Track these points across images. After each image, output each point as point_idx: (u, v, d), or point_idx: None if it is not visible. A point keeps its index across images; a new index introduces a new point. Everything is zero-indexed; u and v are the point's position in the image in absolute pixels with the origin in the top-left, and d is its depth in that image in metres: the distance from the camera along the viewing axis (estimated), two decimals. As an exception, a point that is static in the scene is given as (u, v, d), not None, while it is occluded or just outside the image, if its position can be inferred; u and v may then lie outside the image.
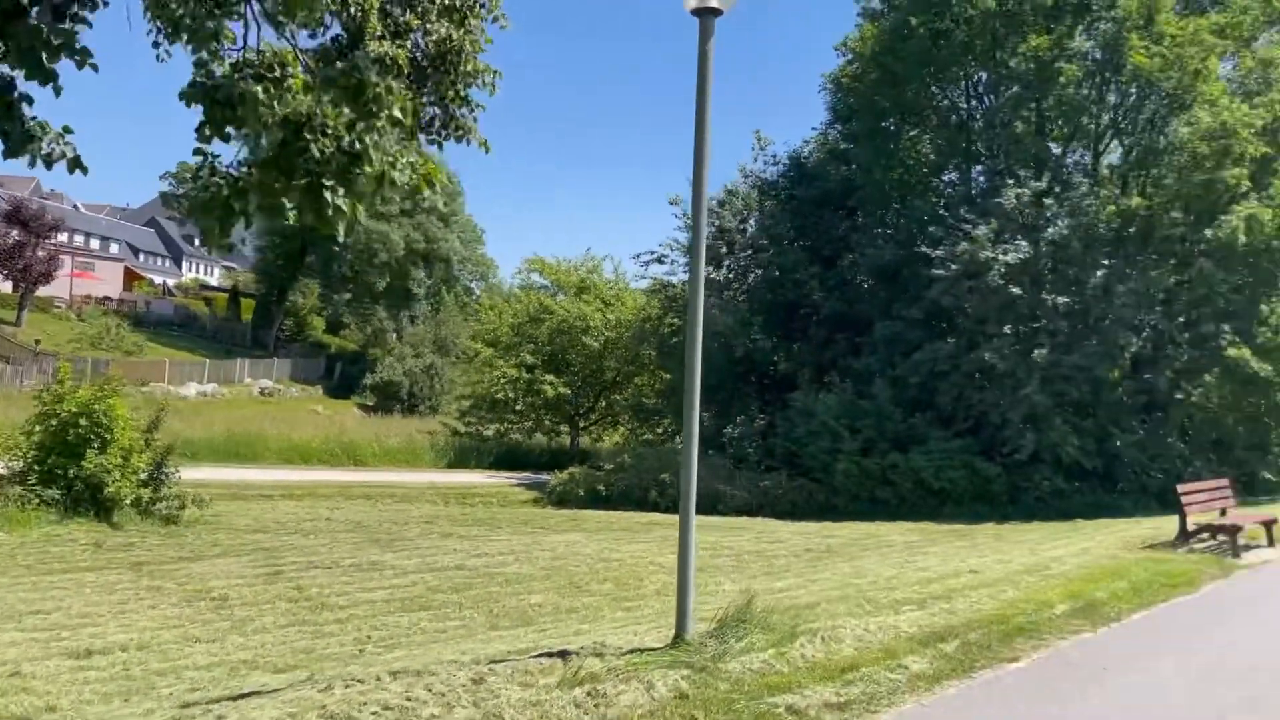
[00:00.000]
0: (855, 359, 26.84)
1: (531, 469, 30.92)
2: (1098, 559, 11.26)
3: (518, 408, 33.67)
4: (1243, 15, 24.71)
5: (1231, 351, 22.03)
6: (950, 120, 28.65)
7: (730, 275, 31.22)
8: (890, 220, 28.73)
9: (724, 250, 30.71)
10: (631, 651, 6.10)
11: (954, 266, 23.61)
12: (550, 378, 33.05)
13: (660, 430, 31.63)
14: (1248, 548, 12.30)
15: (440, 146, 6.93)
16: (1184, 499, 11.92)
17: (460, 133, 6.70)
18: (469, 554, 14.09)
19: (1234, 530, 11.52)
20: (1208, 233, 22.69)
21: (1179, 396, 23.07)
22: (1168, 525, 13.00)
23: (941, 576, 10.48)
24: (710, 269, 31.45)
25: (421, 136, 6.65)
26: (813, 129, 36.14)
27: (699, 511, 22.37)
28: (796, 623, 6.79)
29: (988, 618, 7.57)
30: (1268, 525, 12.64)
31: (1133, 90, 24.92)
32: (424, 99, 6.51)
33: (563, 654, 6.07)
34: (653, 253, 31.60)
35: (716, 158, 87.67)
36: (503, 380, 33.09)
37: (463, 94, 6.56)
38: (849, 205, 29.53)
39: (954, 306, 24.31)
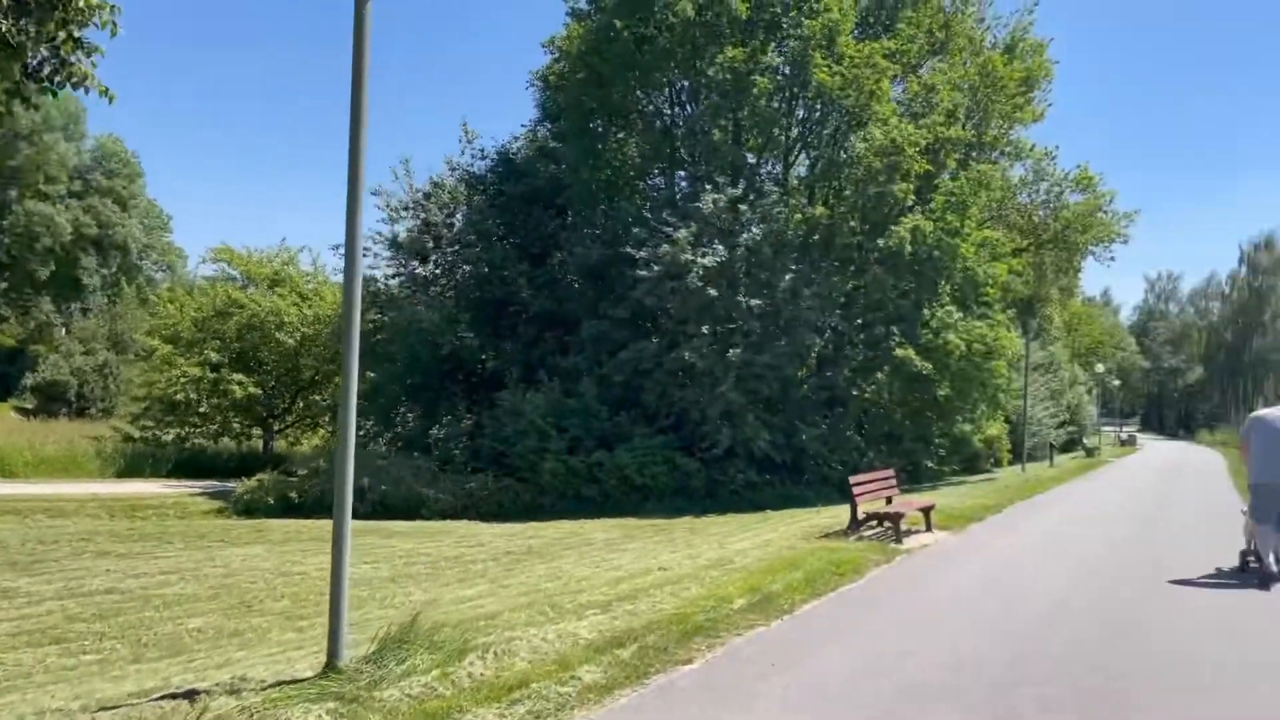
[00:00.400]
0: (563, 357, 26.84)
1: (218, 476, 28.44)
2: (779, 550, 11.69)
3: (201, 410, 30.85)
4: (910, 43, 27.14)
5: (899, 351, 24.07)
6: (655, 125, 29.35)
7: (437, 271, 30.32)
8: (598, 220, 28.99)
9: (430, 245, 29.76)
10: (277, 684, 5.40)
11: (657, 268, 24.13)
12: (239, 377, 30.57)
13: (363, 432, 30.16)
14: (909, 533, 13.27)
15: (54, 94, 6.00)
16: (855, 489, 12.69)
17: (75, 79, 5.73)
18: (125, 574, 12.50)
19: (897, 518, 12.39)
20: (880, 242, 24.66)
21: (855, 393, 24.90)
22: (844, 514, 13.76)
23: (632, 575, 10.43)
24: (416, 264, 30.42)
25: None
26: (522, 126, 35.97)
27: (400, 517, 21.32)
28: (470, 637, 6.35)
29: (668, 617, 7.48)
30: (926, 511, 13.71)
31: (818, 106, 26.64)
32: (28, 38, 5.48)
33: (190, 694, 5.25)
34: (354, 245, 29.90)
35: (428, 148, 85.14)
36: (183, 380, 30.19)
37: (75, 35, 5.59)
38: (558, 203, 29.51)
39: (657, 307, 24.87)
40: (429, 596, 10.87)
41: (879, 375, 24.55)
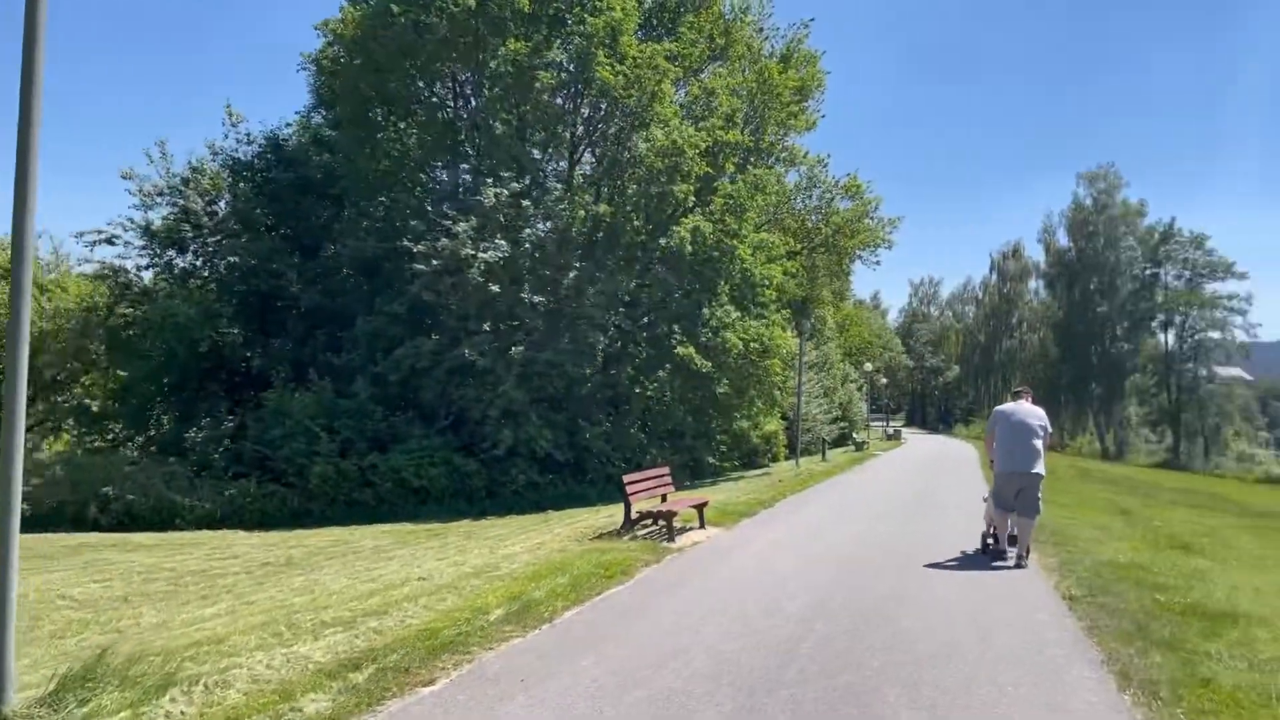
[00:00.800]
0: (336, 355, 25.56)
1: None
2: (550, 553, 11.36)
3: (-88, 414, 27.32)
4: (692, 47, 27.57)
5: (680, 350, 24.39)
6: (438, 116, 28.45)
7: (197, 262, 28.17)
8: (376, 212, 27.82)
9: (189, 234, 27.60)
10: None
11: (436, 262, 23.36)
12: (-37, 377, 27.29)
13: (111, 436, 27.60)
14: (683, 530, 13.28)
15: None
16: (629, 488, 12.55)
17: None
18: None
19: (670, 516, 12.34)
20: (662, 241, 24.90)
21: (638, 390, 25.05)
22: (622, 513, 13.60)
23: (390, 586, 9.81)
24: (173, 254, 28.17)
25: None
26: (296, 112, 34.12)
27: (150, 528, 19.42)
28: (178, 669, 5.62)
29: (416, 633, 6.97)
30: (699, 508, 13.77)
31: (602, 104, 26.62)
32: None
33: None
34: (101, 232, 27.11)
35: (191, 132, 79.86)
36: (-107, 381, 26.62)
37: None
38: (333, 194, 28.11)
39: (437, 303, 24.08)
40: (160, 618, 9.85)
41: (661, 373, 24.82)
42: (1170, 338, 71.24)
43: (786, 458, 36.94)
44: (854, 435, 51.18)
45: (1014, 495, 10.70)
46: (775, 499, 18.21)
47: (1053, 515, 16.32)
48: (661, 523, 12.69)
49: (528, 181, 25.89)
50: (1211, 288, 68.30)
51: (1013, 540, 10.90)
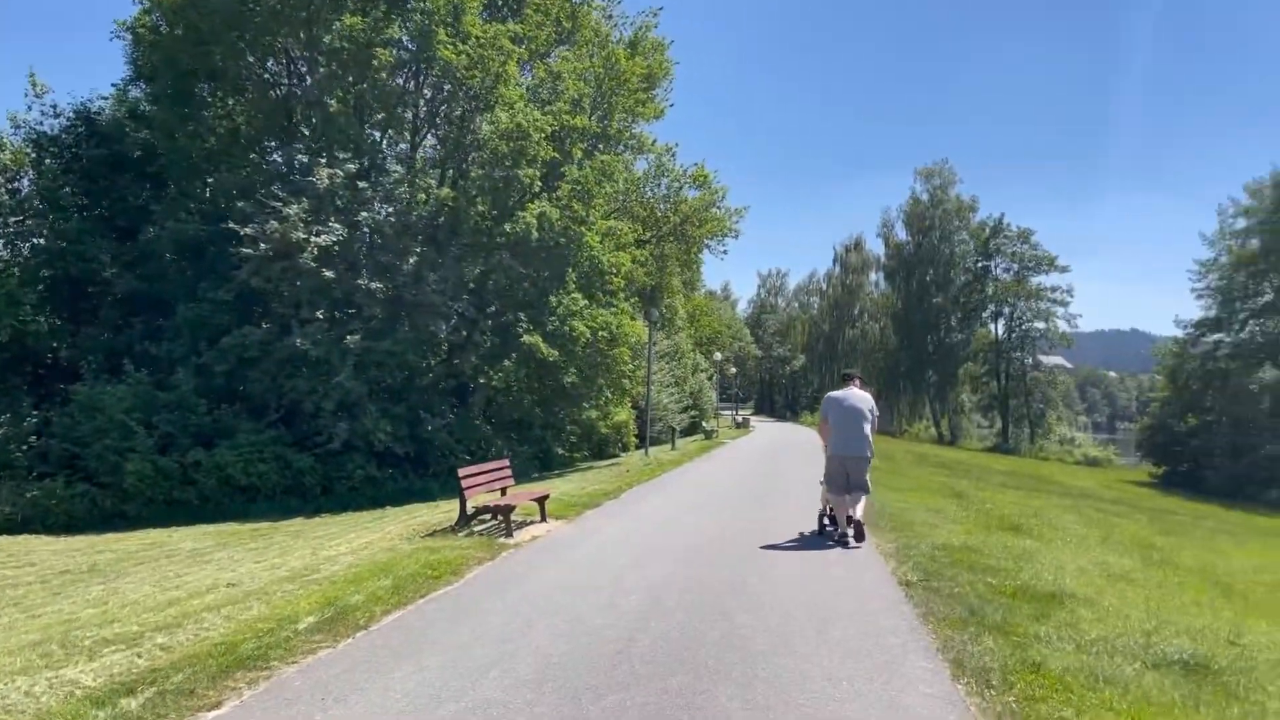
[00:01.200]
0: (155, 345, 23.78)
1: None
2: (376, 554, 10.66)
3: None
4: (538, 30, 26.92)
5: (527, 338, 23.79)
6: (269, 93, 26.91)
7: (-4, 244, 25.75)
8: (199, 192, 26.05)
9: (-14, 213, 25.20)
10: None
11: (265, 246, 22.02)
12: None
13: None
14: (524, 524, 12.77)
15: None
16: (464, 482, 11.91)
17: None
18: None
19: (507, 510, 11.79)
20: (507, 227, 24.20)
21: (483, 380, 24.30)
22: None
23: (193, 594, 8.94)
24: (-33, 235, 25.65)
25: None
26: (112, 85, 31.69)
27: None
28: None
29: (211, 648, 6.24)
30: (540, 501, 13.28)
31: (445, 85, 25.69)
32: None
33: None
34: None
35: None
36: None
37: None
38: (152, 172, 26.18)
39: (266, 289, 22.70)
40: (-80, 641, 8.66)
41: (507, 363, 24.16)
42: (1000, 328, 75.03)
43: (637, 447, 36.82)
44: (704, 424, 51.62)
45: (845, 477, 11.14)
46: (621, 489, 17.89)
47: (891, 500, 16.64)
48: (499, 518, 12.14)
49: (365, 163, 24.75)
50: (1036, 280, 72.20)
51: (848, 520, 11.23)
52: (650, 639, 6.68)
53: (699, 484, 19.71)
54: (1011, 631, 6.98)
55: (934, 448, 60.01)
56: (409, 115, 26.44)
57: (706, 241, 35.30)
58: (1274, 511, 38.05)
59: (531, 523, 13.03)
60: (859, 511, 11.19)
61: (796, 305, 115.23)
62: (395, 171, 24.62)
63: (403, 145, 26.88)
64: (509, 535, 11.62)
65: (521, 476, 25.84)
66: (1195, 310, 61.32)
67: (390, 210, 24.38)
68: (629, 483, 19.24)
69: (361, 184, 24.02)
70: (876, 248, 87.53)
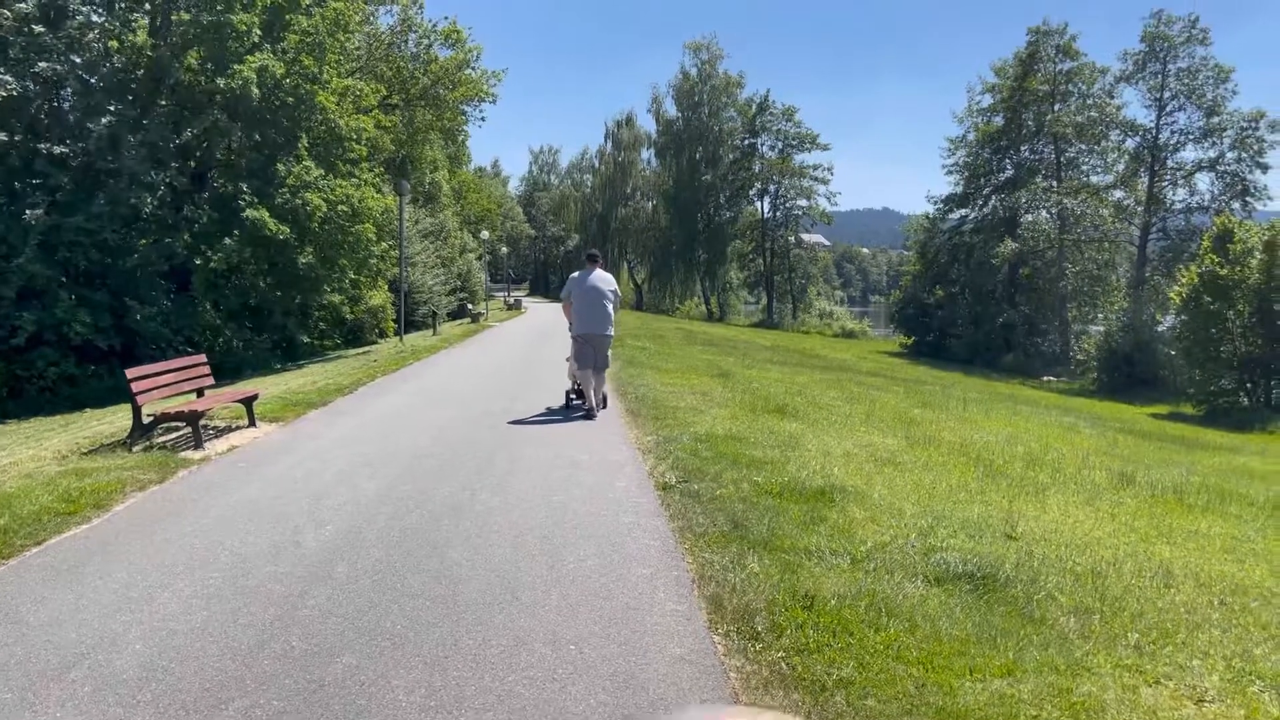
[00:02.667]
0: None
1: None
2: (14, 478, 8.36)
3: None
4: None
5: (251, 213, 20.80)
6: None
7: None
8: None
9: None
10: None
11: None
12: None
13: None
14: (225, 431, 10.73)
15: None
16: (135, 385, 9.56)
17: None
18: None
19: (194, 417, 9.65)
20: (221, 82, 20.82)
21: (200, 262, 21.13)
22: (165, 408, 10.63)
23: None
24: None
25: None
26: None
27: None
28: None
29: None
30: (247, 402, 11.19)
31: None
32: None
33: None
34: None
35: None
36: None
37: None
38: None
39: (-88, 152, 18.54)
40: None
41: (229, 241, 21.01)
42: (766, 205, 76.34)
43: (396, 333, 34.40)
44: (468, 307, 49.49)
45: (591, 353, 11.75)
46: (359, 383, 15.89)
47: (657, 383, 15.61)
48: (188, 425, 10.00)
49: (42, 2, 20.49)
50: (800, 158, 73.61)
51: (595, 394, 11.90)
52: (327, 595, 5.05)
53: (449, 374, 17.99)
54: (779, 547, 5.86)
55: (704, 325, 60.72)
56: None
57: (463, 107, 32.51)
58: (1006, 375, 40.89)
59: (237, 428, 10.98)
60: (600, 385, 11.95)
61: (570, 183, 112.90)
62: (81, 13, 20.49)
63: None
64: (199, 447, 9.56)
65: (261, 368, 23.25)
66: (945, 188, 64.47)
67: (78, 61, 20.39)
68: (371, 375, 17.23)
69: (38, 28, 19.89)
70: (649, 124, 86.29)
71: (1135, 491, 10.17)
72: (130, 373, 9.61)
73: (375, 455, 9.18)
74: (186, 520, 6.69)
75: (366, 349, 27.80)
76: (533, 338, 29.34)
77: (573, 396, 12.37)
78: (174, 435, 10.35)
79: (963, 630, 4.62)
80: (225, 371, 22.72)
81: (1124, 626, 4.96)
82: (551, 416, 11.84)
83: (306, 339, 27.49)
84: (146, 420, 9.92)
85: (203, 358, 11.51)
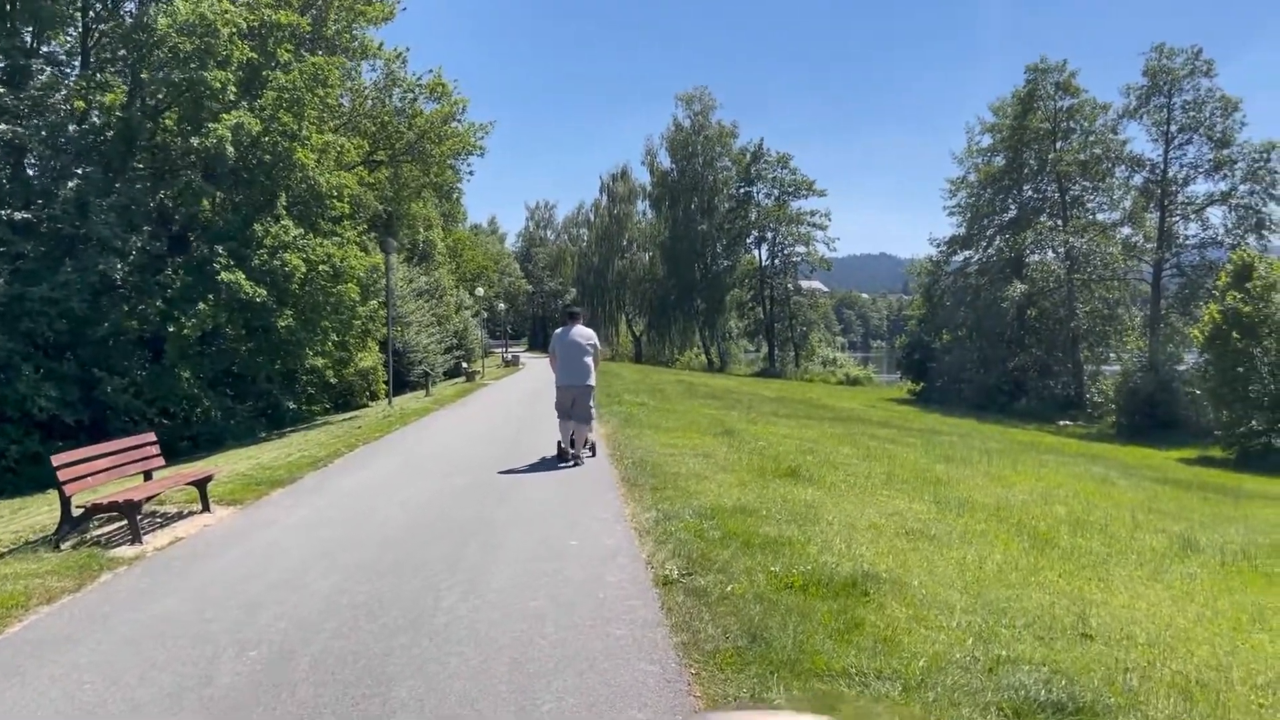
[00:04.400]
0: None
1: None
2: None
3: None
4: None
5: (225, 275, 19.76)
6: None
7: None
8: None
9: None
10: None
11: None
12: None
13: None
14: (179, 517, 9.58)
15: None
16: (62, 472, 8.40)
17: None
18: None
19: (129, 507, 8.47)
20: (195, 141, 19.93)
21: (173, 329, 19.98)
22: (133, 494, 9.44)
23: None
24: None
25: None
26: None
27: None
28: None
29: None
30: (201, 484, 10.01)
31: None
32: None
33: None
34: None
35: None
36: None
37: None
38: None
39: None
40: None
41: (203, 305, 19.91)
42: (764, 253, 75.68)
43: (388, 395, 33.24)
44: (463, 365, 48.40)
45: (570, 405, 12.34)
46: (336, 454, 14.71)
47: (657, 444, 14.42)
48: (126, 517, 8.82)
49: (3, 64, 19.71)
50: (796, 205, 73.07)
51: (572, 443, 12.53)
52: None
53: (435, 438, 16.84)
54: (810, 669, 4.66)
55: (704, 376, 59.60)
56: (64, 7, 21.32)
57: (450, 161, 31.64)
58: (1020, 420, 39.61)
59: (189, 514, 9.81)
60: (580, 435, 12.51)
61: (566, 237, 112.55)
62: (44, 72, 19.67)
63: (51, 43, 21.74)
64: (135, 541, 8.38)
65: (244, 438, 22.11)
66: (947, 229, 63.70)
67: (40, 124, 19.54)
68: (351, 444, 16.06)
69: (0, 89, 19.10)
70: (643, 176, 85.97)
71: (1203, 560, 8.96)
72: (57, 459, 8.45)
73: (334, 545, 8.00)
74: (83, 648, 5.49)
75: (355, 413, 26.65)
76: (526, 395, 28.20)
77: (564, 446, 12.74)
78: (114, 527, 9.16)
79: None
80: (206, 443, 21.61)
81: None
82: (540, 479, 10.80)
83: (293, 405, 26.35)
84: (76, 512, 8.72)
85: (151, 436, 10.36)
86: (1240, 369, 27.30)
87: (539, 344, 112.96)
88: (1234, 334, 27.51)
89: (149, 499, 8.92)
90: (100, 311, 19.59)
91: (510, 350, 77.20)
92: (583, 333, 12.63)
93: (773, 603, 5.82)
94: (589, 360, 12.51)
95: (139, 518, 8.67)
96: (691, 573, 6.60)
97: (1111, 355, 47.06)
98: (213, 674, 4.92)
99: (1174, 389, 34.84)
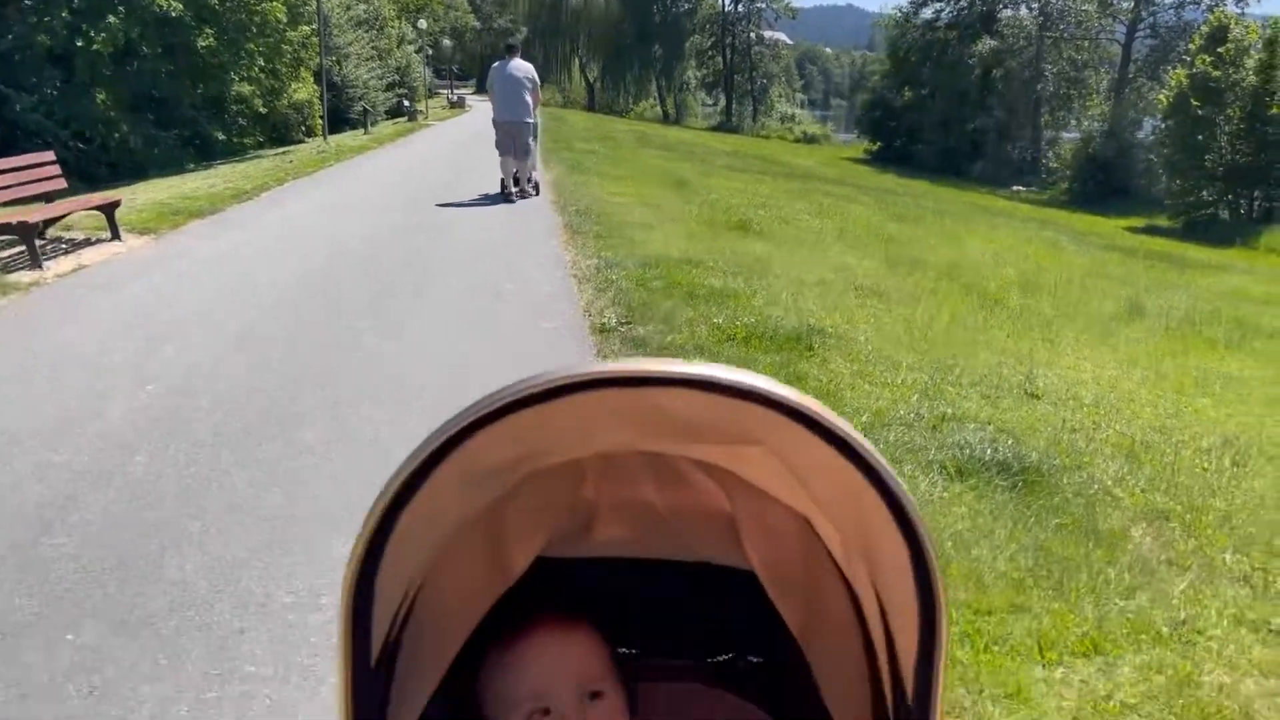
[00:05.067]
0: None
1: None
2: None
3: None
4: None
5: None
6: None
7: None
8: None
9: None
10: None
11: None
12: None
13: None
14: (86, 243, 8.96)
15: None
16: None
17: None
18: None
19: (25, 229, 7.80)
20: None
21: (81, 44, 18.18)
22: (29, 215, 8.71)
23: None
24: None
25: None
26: None
27: None
28: None
29: None
30: (109, 210, 9.29)
31: None
32: None
33: None
34: None
35: None
36: None
37: None
38: None
39: None
40: None
41: (113, 19, 18.06)
42: (726, -2, 71.72)
43: (325, 131, 31.62)
44: (404, 104, 46.08)
45: (510, 141, 12.09)
46: (264, 187, 13.86)
47: (606, 192, 13.78)
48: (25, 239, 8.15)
49: None
50: (763, -56, 68.57)
51: (515, 180, 12.36)
52: (101, 506, 3.52)
53: (370, 177, 16.04)
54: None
55: (659, 127, 57.76)
56: None
57: None
58: (977, 185, 39.24)
59: (97, 242, 9.16)
60: (523, 171, 12.39)
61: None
62: None
63: None
64: (35, 267, 7.79)
65: (170, 167, 20.94)
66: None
67: None
68: (280, 178, 15.15)
69: None
70: (602, -97, 79.45)
71: (1148, 325, 8.85)
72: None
73: (251, 281, 7.50)
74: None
75: (288, 149, 25.31)
76: (470, 137, 26.90)
77: (507, 185, 12.53)
78: (12, 252, 8.50)
79: (1015, 567, 3.25)
80: (127, 171, 20.37)
81: (1214, 540, 3.66)
82: (479, 218, 10.35)
83: (222, 136, 24.83)
84: (-29, 232, 8.04)
85: (50, 154, 9.53)
86: (1200, 137, 26.88)
87: (486, 85, 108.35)
88: (1193, 100, 26.84)
89: (50, 222, 8.24)
90: (4, 23, 17.77)
91: (456, 91, 73.73)
92: (520, 66, 12.32)
93: (714, 354, 5.53)
94: (528, 96, 12.17)
95: (39, 243, 8.02)
96: (630, 321, 6.27)
97: (1073, 121, 46.25)
98: (103, 408, 4.53)
99: (1132, 154, 34.50)
